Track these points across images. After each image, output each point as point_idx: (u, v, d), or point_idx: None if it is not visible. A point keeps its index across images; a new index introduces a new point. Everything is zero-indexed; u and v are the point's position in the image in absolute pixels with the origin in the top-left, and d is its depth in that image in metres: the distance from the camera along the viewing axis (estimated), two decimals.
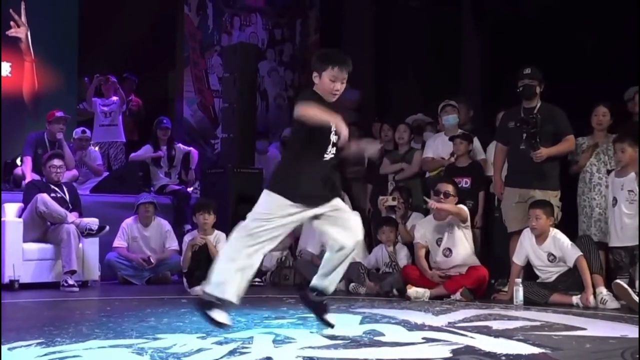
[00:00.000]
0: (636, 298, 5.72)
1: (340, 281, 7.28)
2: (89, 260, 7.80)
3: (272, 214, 4.25)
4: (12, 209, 7.83)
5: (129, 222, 8.27)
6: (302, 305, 4.58)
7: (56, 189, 7.86)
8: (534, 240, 6.32)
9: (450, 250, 6.69)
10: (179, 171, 9.56)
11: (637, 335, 4.32)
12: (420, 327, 4.79)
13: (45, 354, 3.83)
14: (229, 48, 10.34)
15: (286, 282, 8.06)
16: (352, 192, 8.49)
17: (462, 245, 6.68)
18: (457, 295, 6.39)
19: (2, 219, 7.64)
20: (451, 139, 7.51)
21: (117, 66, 10.70)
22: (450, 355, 3.82)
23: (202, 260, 7.01)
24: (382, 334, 4.46)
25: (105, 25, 10.62)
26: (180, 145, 9.76)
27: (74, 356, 3.79)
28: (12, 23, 9.64)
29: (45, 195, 7.59)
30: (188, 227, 8.52)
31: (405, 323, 4.94)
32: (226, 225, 7.84)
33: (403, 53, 11.17)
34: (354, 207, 8.06)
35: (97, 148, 9.85)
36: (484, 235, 7.36)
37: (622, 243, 6.28)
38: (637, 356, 3.79)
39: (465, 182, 7.26)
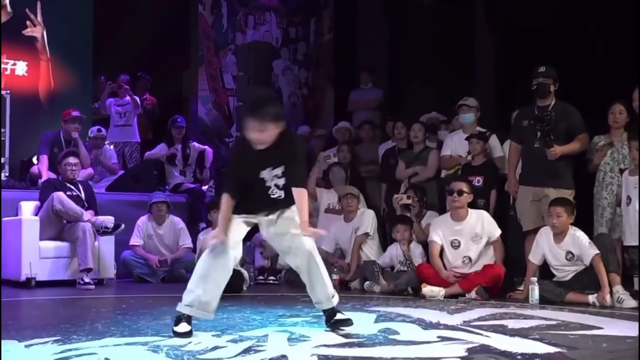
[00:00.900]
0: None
1: (355, 280, 7.37)
2: (104, 258, 7.83)
3: None
4: (28, 207, 7.88)
5: (143, 220, 8.31)
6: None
7: (72, 187, 7.90)
8: (552, 239, 6.27)
9: (470, 259, 6.65)
10: (193, 170, 9.60)
11: None
12: (435, 326, 4.78)
13: (62, 351, 3.85)
14: (243, 47, 10.38)
15: (301, 281, 8.03)
16: (367, 191, 8.49)
17: (486, 258, 6.64)
18: (473, 294, 6.37)
19: (19, 217, 7.71)
20: (467, 138, 7.49)
21: (132, 65, 10.75)
22: (466, 354, 3.81)
23: None
24: (397, 333, 4.45)
25: (120, 24, 10.67)
26: (195, 144, 9.80)
27: (90, 353, 3.80)
28: (28, 22, 9.69)
29: (61, 194, 7.64)
30: (203, 225, 8.55)
31: (420, 322, 4.93)
32: None
33: (416, 51, 11.15)
34: (369, 206, 8.10)
35: (112, 147, 9.90)
36: None
37: (636, 242, 6.24)
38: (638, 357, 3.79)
39: (477, 181, 7.23)
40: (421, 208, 7.57)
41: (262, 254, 8.31)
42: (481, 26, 11.03)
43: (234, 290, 6.85)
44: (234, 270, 7.01)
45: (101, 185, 9.10)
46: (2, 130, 8.69)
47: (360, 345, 4.07)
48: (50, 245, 7.63)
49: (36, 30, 9.77)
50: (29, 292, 7.12)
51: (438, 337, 4.30)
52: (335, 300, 4.69)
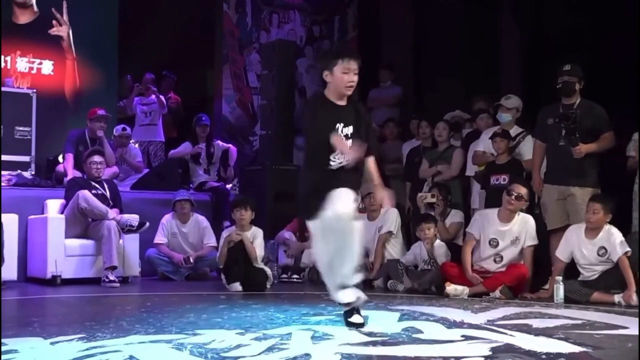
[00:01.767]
0: None
1: (379, 278, 7.36)
2: (129, 256, 7.88)
3: None
4: (54, 205, 7.95)
5: (168, 218, 8.35)
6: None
7: (97, 185, 7.96)
8: (584, 235, 6.21)
9: (502, 259, 6.61)
10: (217, 168, 9.62)
11: None
12: (460, 325, 4.76)
13: (87, 349, 3.88)
14: (268, 45, 10.38)
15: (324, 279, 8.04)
16: (391, 190, 8.46)
17: (518, 260, 6.59)
18: (497, 293, 6.33)
19: (45, 216, 7.78)
20: (491, 137, 7.44)
21: (157, 64, 10.80)
22: (490, 353, 3.79)
23: (239, 256, 7.06)
24: (421, 332, 4.44)
25: (145, 23, 10.71)
26: (219, 143, 9.83)
27: (114, 351, 3.83)
28: (54, 22, 9.78)
29: (86, 192, 7.69)
30: (227, 223, 8.57)
31: (444, 320, 4.91)
32: (264, 221, 7.89)
33: (441, 49, 11.10)
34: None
35: (137, 145, 9.95)
36: None
37: None
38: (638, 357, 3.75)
39: (503, 179, 7.18)
40: (445, 207, 7.54)
41: (286, 252, 8.33)
42: (506, 23, 10.95)
43: (257, 288, 6.89)
44: (258, 268, 7.09)
45: (126, 183, 9.14)
46: (29, 129, 8.76)
47: (384, 343, 4.06)
48: (75, 243, 7.70)
49: (62, 30, 9.86)
50: (55, 289, 7.19)
51: (462, 336, 4.29)
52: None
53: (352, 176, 4.43)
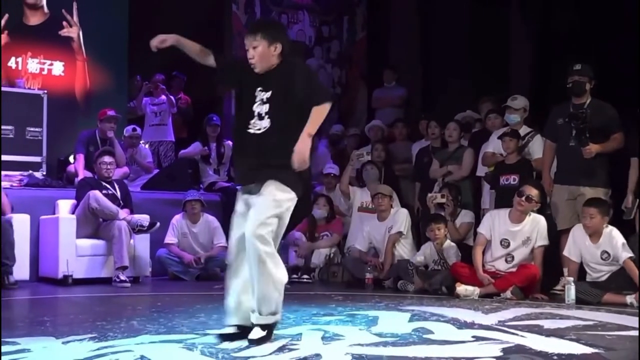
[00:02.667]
0: None
1: (389, 279, 7.36)
2: (140, 256, 7.91)
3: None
4: (65, 205, 7.98)
5: (178, 218, 8.36)
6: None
7: (108, 186, 7.98)
8: (588, 239, 6.21)
9: (513, 259, 6.60)
10: (227, 168, 9.63)
11: None
12: (470, 326, 4.76)
13: (98, 348, 3.89)
14: None
15: (334, 279, 8.07)
16: (400, 190, 8.47)
17: (525, 260, 6.58)
18: (508, 294, 6.32)
19: (56, 216, 7.81)
20: (500, 136, 7.42)
21: (167, 65, 10.80)
22: (501, 354, 3.79)
23: None
24: (431, 332, 4.44)
25: (155, 24, 10.72)
26: (229, 142, 9.83)
27: (125, 351, 3.84)
28: (64, 23, 9.81)
29: (97, 192, 7.72)
30: None
31: (454, 321, 4.90)
32: None
33: (450, 49, 11.08)
34: (402, 205, 8.08)
35: (147, 146, 9.98)
36: None
37: None
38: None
39: (513, 179, 7.16)
40: (455, 207, 7.53)
41: (296, 253, 8.34)
42: (516, 23, 10.93)
43: None
44: None
45: (136, 184, 9.17)
46: (40, 129, 8.79)
47: (394, 344, 4.06)
48: (86, 243, 7.73)
49: (72, 31, 9.89)
50: (66, 289, 7.21)
51: (473, 336, 4.28)
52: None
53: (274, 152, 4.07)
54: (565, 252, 6.34)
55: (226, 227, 8.50)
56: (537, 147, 7.34)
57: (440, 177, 8.04)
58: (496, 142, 7.57)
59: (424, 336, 4.31)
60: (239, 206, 4.23)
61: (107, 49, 10.07)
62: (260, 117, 4.12)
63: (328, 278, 8.12)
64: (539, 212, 6.68)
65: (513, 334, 4.40)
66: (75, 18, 9.88)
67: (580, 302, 5.94)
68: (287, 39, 4.30)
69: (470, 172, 7.96)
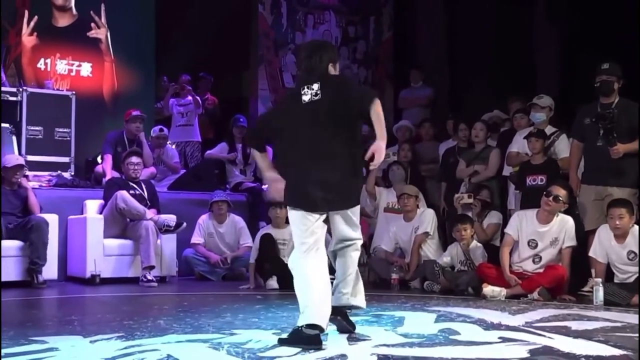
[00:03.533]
0: None
1: (415, 279, 7.34)
2: (166, 256, 7.95)
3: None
4: (93, 205, 8.05)
5: (204, 218, 8.39)
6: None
7: (135, 186, 8.04)
8: (614, 240, 6.15)
9: (541, 259, 6.55)
10: (254, 169, 9.66)
11: None
12: (497, 327, 4.73)
13: (125, 347, 3.93)
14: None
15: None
16: (427, 190, 8.44)
17: (556, 261, 6.53)
18: (535, 295, 6.27)
19: (84, 216, 7.88)
20: (526, 137, 7.36)
21: (193, 65, 10.88)
22: (528, 355, 3.76)
23: (271, 253, 7.22)
24: (458, 333, 4.42)
25: (181, 25, 10.82)
26: None
27: (152, 350, 3.87)
28: (92, 25, 9.91)
29: (124, 193, 7.77)
30: (263, 224, 8.59)
31: (481, 322, 4.88)
32: None
33: (477, 49, 11.03)
34: (429, 205, 8.05)
35: (174, 146, 10.03)
36: None
37: None
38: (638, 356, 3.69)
39: (540, 180, 7.10)
40: (485, 208, 7.48)
41: None
42: (541, 22, 10.86)
43: (293, 288, 6.89)
44: None
45: (163, 184, 9.22)
46: (68, 130, 8.86)
47: (420, 345, 4.05)
48: (114, 243, 7.79)
49: (100, 32, 9.99)
50: (94, 289, 7.28)
51: (499, 338, 4.26)
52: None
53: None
54: (592, 253, 6.28)
55: (252, 227, 8.57)
56: (562, 147, 7.29)
57: (466, 177, 8.00)
58: (521, 141, 7.52)
59: (450, 337, 4.30)
60: None
61: (134, 50, 10.16)
62: None
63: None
64: (566, 212, 6.62)
65: (540, 335, 4.36)
66: (103, 20, 9.98)
67: (609, 303, 5.89)
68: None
69: (496, 172, 7.91)
